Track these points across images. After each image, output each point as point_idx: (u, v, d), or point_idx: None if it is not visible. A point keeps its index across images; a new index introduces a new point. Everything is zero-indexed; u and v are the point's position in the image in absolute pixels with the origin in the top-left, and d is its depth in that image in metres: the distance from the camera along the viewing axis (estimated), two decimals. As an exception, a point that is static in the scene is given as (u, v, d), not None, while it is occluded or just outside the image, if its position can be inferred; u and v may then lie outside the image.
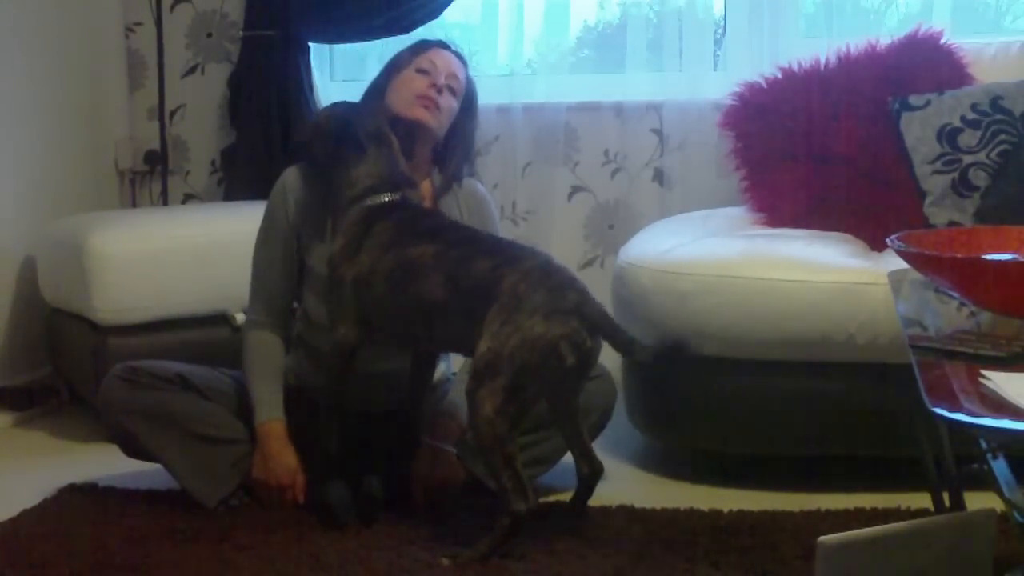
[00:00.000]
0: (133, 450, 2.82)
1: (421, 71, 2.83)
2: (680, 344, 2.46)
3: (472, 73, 2.94)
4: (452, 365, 2.95)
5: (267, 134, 3.88)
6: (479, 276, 2.46)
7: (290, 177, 2.83)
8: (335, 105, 2.89)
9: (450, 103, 2.84)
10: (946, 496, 2.33)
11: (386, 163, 2.69)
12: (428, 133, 2.81)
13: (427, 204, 2.79)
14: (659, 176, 3.89)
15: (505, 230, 3.81)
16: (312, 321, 2.81)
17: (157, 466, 2.80)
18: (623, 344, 2.45)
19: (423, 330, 2.57)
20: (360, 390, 2.71)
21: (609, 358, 2.93)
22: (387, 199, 2.65)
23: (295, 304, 2.87)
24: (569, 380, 2.49)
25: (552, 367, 2.38)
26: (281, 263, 2.82)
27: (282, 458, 2.74)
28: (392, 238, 2.59)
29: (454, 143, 2.89)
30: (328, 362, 2.67)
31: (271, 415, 2.77)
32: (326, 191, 2.75)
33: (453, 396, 2.76)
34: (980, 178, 3.16)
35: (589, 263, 3.95)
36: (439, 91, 2.81)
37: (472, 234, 2.63)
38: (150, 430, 2.75)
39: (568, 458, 2.72)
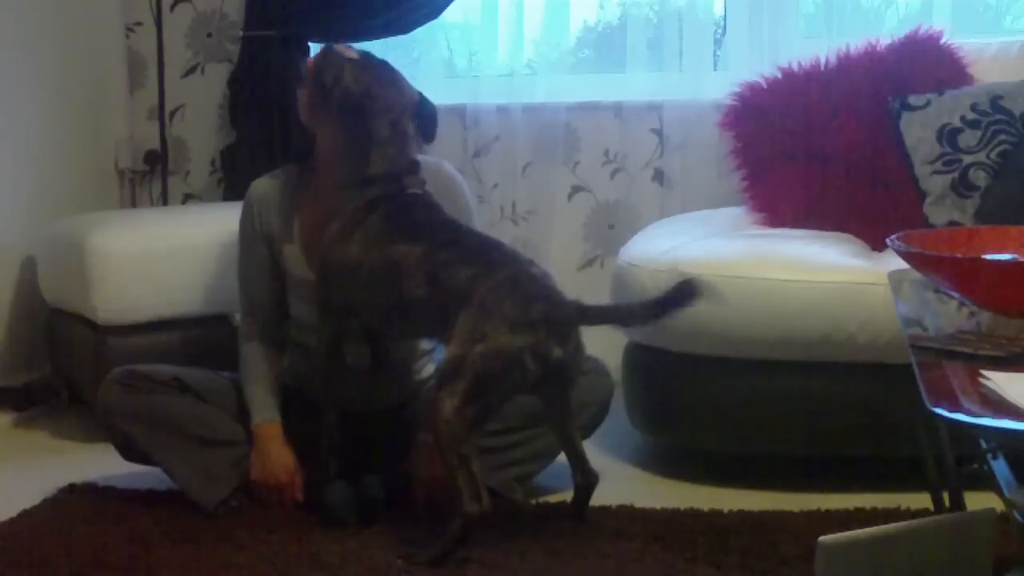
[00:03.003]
0: (132, 454, 2.83)
1: None
2: (685, 288, 2.46)
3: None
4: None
5: (267, 134, 3.88)
6: (457, 282, 2.46)
7: (255, 189, 2.87)
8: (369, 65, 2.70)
9: None
10: (946, 496, 2.33)
11: (395, 152, 2.64)
12: None
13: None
14: (659, 176, 3.89)
15: (505, 230, 3.82)
16: (299, 322, 2.83)
17: (157, 467, 2.80)
18: (623, 317, 2.54)
19: (401, 323, 2.60)
20: (356, 387, 2.73)
21: (609, 356, 2.95)
22: (386, 189, 2.63)
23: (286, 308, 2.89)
24: (546, 384, 2.48)
25: (515, 377, 2.39)
26: (262, 273, 2.85)
27: (279, 457, 2.75)
28: (381, 234, 2.58)
29: None
30: (317, 358, 2.69)
31: (267, 416, 2.78)
32: (304, 170, 2.77)
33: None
34: (980, 178, 3.16)
35: (589, 263, 3.95)
36: None
37: (459, 236, 2.61)
38: (149, 434, 2.76)
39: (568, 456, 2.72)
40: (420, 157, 2.82)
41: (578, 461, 2.62)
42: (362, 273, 2.58)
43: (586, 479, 2.63)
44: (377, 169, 2.62)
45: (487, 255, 2.54)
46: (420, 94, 2.72)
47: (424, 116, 2.71)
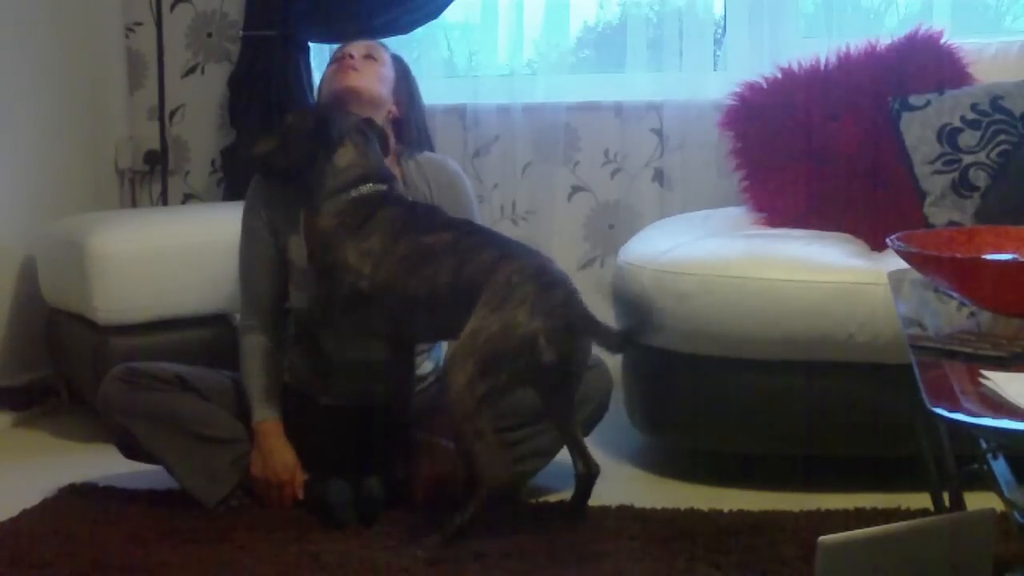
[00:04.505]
0: (133, 452, 2.83)
1: (334, 61, 2.91)
2: (636, 327, 2.53)
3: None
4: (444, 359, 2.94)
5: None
6: (481, 264, 2.50)
7: (260, 182, 2.88)
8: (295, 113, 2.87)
9: (374, 67, 2.87)
10: (946, 496, 2.33)
11: (372, 154, 2.71)
12: (360, 96, 2.83)
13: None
14: (659, 176, 3.89)
15: (505, 230, 3.81)
16: (300, 314, 2.83)
17: (157, 466, 2.80)
18: (607, 339, 2.50)
19: (424, 315, 2.59)
20: (356, 381, 2.73)
21: (609, 355, 2.94)
22: (380, 188, 2.67)
23: (286, 304, 2.89)
24: (552, 377, 2.49)
25: (527, 359, 2.40)
26: (265, 265, 2.85)
27: (280, 455, 2.75)
28: (403, 226, 2.61)
29: (405, 113, 2.92)
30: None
31: (268, 414, 2.78)
32: (296, 188, 2.77)
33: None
34: (980, 178, 3.16)
35: (589, 263, 3.95)
36: (352, 57, 2.86)
37: (482, 228, 2.69)
38: (150, 431, 2.76)
39: (568, 457, 2.72)
40: (426, 153, 2.86)
41: (580, 453, 2.63)
42: (389, 263, 2.57)
43: (588, 470, 2.63)
44: (353, 172, 2.66)
45: (510, 244, 2.60)
46: (366, 120, 2.75)
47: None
